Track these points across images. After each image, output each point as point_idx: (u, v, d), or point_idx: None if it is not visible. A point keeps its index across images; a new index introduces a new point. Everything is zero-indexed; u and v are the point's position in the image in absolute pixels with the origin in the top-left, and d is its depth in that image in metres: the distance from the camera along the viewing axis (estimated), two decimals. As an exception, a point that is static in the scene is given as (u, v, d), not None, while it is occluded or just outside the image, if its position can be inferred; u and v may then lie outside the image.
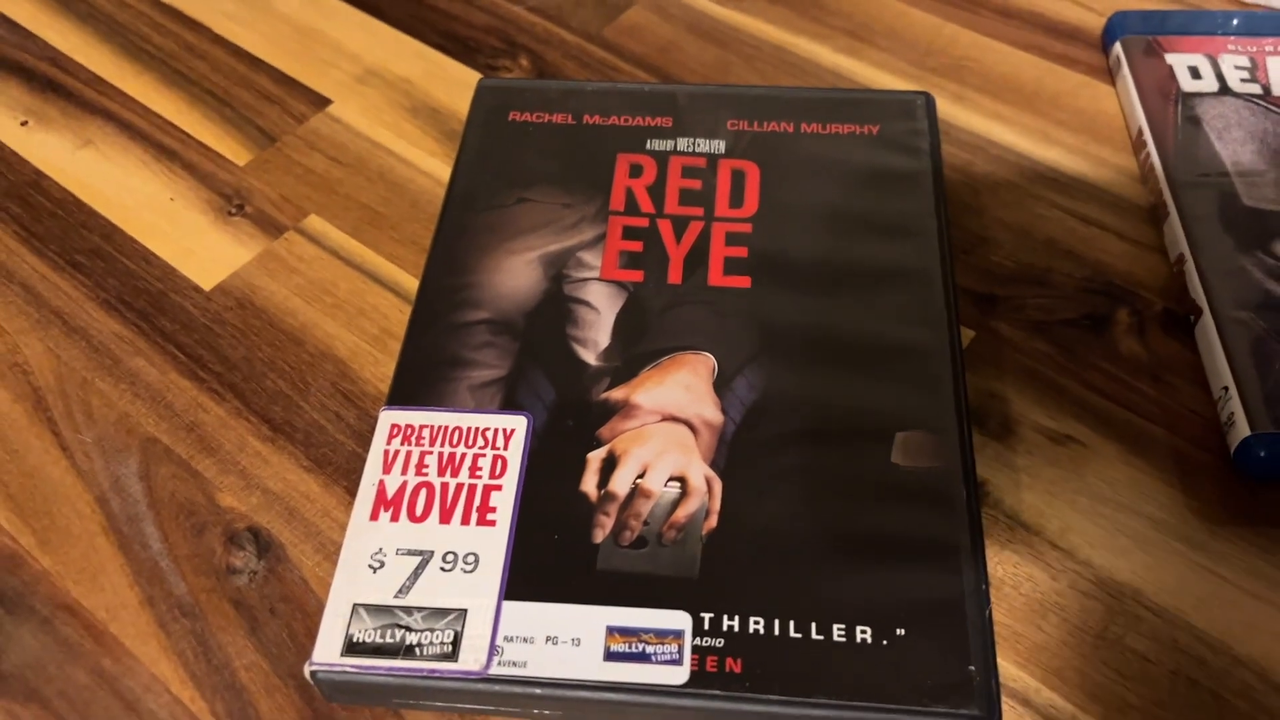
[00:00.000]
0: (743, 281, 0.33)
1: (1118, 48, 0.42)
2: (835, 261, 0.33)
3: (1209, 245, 0.35)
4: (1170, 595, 0.29)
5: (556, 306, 0.32)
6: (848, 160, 0.36)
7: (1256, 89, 0.40)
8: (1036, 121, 0.41)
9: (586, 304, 0.32)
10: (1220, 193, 0.36)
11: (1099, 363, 0.34)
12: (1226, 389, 0.32)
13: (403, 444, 0.29)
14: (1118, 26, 0.43)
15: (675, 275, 0.33)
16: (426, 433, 0.29)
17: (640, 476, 0.28)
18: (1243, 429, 0.31)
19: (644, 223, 0.34)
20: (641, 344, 0.31)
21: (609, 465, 0.29)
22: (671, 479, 0.28)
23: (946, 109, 0.42)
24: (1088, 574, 0.30)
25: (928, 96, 0.37)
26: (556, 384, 0.30)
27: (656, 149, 0.36)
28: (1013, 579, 0.30)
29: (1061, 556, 0.30)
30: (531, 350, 0.31)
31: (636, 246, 0.34)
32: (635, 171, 0.36)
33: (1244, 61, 0.41)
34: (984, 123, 0.41)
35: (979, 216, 0.38)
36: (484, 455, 0.29)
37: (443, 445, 0.29)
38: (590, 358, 0.31)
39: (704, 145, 0.36)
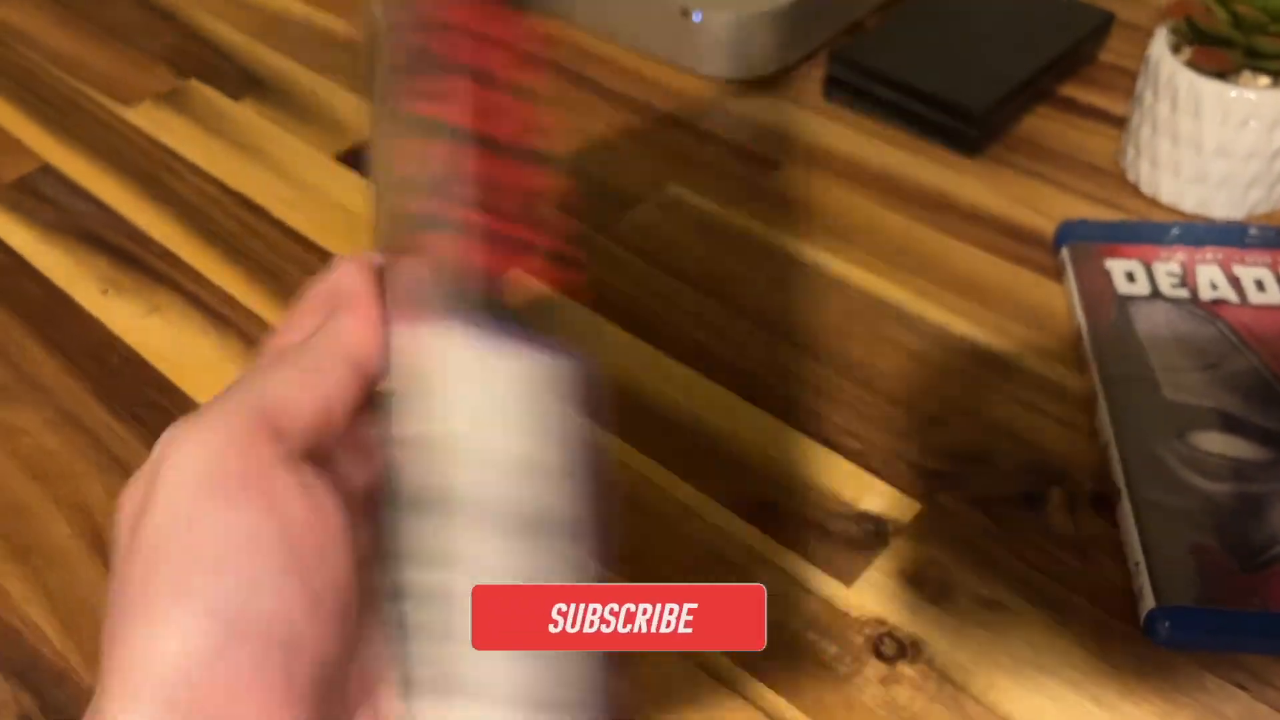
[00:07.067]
0: None
1: (1065, 252, 0.47)
2: None
3: (1131, 433, 0.39)
4: (1080, 751, 0.33)
5: None
6: None
7: (1185, 294, 0.44)
8: (991, 315, 0.46)
9: None
10: (1145, 386, 0.41)
11: (1032, 537, 0.38)
12: (1138, 564, 0.36)
13: None
14: (1066, 233, 0.48)
15: None
16: None
17: None
18: (1149, 601, 0.35)
19: None
20: None
21: None
22: None
23: (913, 302, 0.47)
24: (1006, 728, 0.33)
25: None
26: None
27: None
28: (938, 730, 0.33)
29: (983, 712, 0.34)
30: None
31: None
32: None
33: (1175, 269, 0.46)
34: (944, 315, 0.46)
35: (933, 400, 0.43)
36: None
37: None
38: None
39: None
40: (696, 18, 0.58)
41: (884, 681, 0.35)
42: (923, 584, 0.37)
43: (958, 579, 0.37)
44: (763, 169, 0.54)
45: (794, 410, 0.43)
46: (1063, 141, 0.55)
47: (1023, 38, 0.58)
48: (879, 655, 0.35)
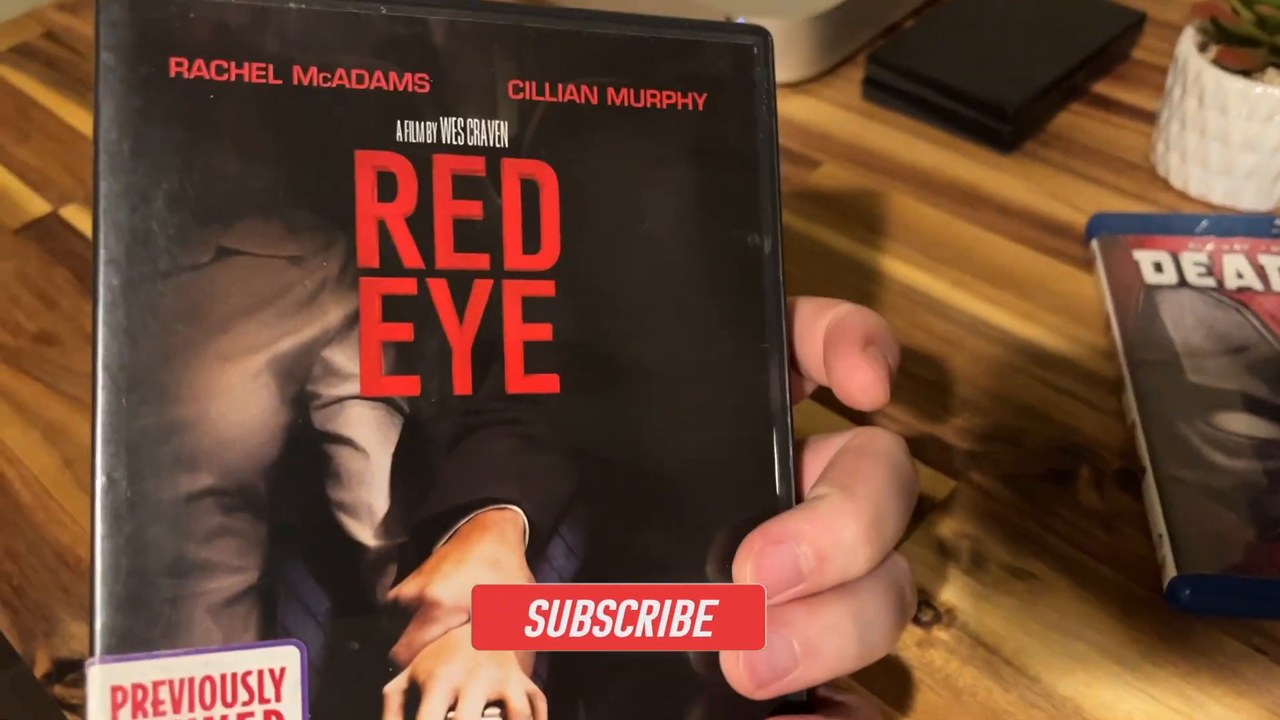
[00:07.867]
0: (548, 383, 0.24)
1: (1095, 244, 0.49)
2: (672, 340, 0.25)
3: (1156, 415, 0.41)
4: (1104, 709, 0.35)
5: (307, 452, 0.22)
6: (670, 156, 0.26)
7: (1211, 282, 0.46)
8: (1024, 304, 0.49)
9: (348, 443, 0.23)
10: (1169, 370, 0.43)
11: (1060, 511, 0.41)
12: (1161, 536, 0.38)
13: (135, 718, 0.20)
14: (1096, 226, 0.50)
15: (463, 378, 0.23)
16: (165, 694, 0.21)
17: (453, 708, 0.22)
18: (1172, 570, 0.37)
19: (410, 287, 0.23)
20: (430, 501, 0.23)
21: (413, 698, 0.22)
22: (489, 705, 0.23)
23: (949, 292, 0.50)
24: (1035, 688, 0.36)
25: (764, 39, 0.28)
26: (328, 584, 0.22)
27: (411, 139, 0.23)
28: (971, 689, 0.36)
29: (1014, 673, 0.36)
30: (285, 533, 0.22)
31: (405, 333, 0.23)
32: (386, 187, 0.23)
33: (1202, 259, 0.48)
34: (978, 304, 0.49)
35: (969, 384, 0.45)
36: (250, 715, 0.21)
37: (191, 710, 0.21)
38: (366, 534, 0.22)
39: (479, 130, 0.24)
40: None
41: (920, 645, 0.37)
42: (957, 556, 0.39)
43: (990, 551, 0.39)
44: (805, 167, 0.57)
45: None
46: (1095, 137, 0.57)
47: (1056, 38, 0.60)
48: (916, 621, 0.38)
